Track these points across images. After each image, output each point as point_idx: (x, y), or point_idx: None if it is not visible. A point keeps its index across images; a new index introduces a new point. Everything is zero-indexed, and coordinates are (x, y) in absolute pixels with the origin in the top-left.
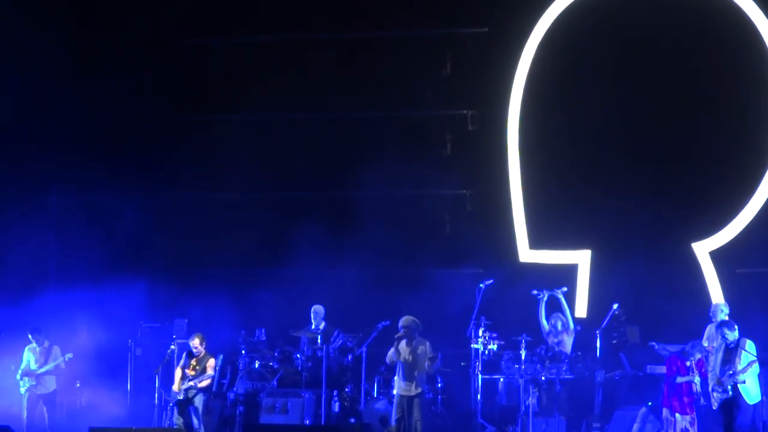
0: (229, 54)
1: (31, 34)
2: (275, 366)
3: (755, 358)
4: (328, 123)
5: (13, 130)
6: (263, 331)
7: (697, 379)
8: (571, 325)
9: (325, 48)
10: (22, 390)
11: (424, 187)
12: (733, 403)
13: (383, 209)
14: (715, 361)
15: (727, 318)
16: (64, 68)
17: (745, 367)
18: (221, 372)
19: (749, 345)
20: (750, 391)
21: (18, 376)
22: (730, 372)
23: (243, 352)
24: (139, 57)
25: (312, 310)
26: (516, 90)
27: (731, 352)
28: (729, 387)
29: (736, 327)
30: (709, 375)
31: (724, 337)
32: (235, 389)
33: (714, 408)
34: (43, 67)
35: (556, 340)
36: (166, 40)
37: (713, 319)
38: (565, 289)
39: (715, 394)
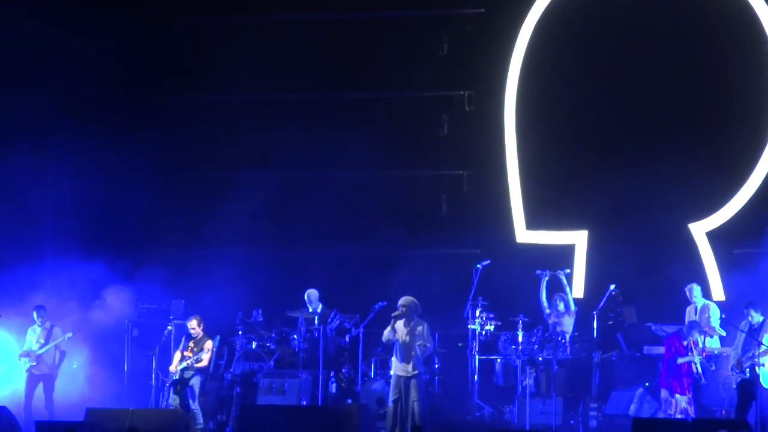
0: (224, 34)
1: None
2: (272, 347)
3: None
4: (324, 103)
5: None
6: (260, 311)
7: (697, 359)
8: (573, 306)
9: (322, 28)
10: (23, 370)
11: (421, 167)
12: (751, 385)
13: (380, 190)
14: (737, 342)
15: (701, 299)
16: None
17: (762, 351)
18: (218, 353)
19: None
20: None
21: (18, 356)
22: (750, 354)
23: (240, 332)
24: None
25: (306, 294)
26: (513, 71)
27: (754, 333)
28: (747, 369)
29: (759, 310)
30: (731, 354)
31: (749, 318)
32: (232, 370)
33: (733, 387)
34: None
35: (556, 321)
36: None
37: (691, 301)
38: (567, 270)
39: (733, 375)
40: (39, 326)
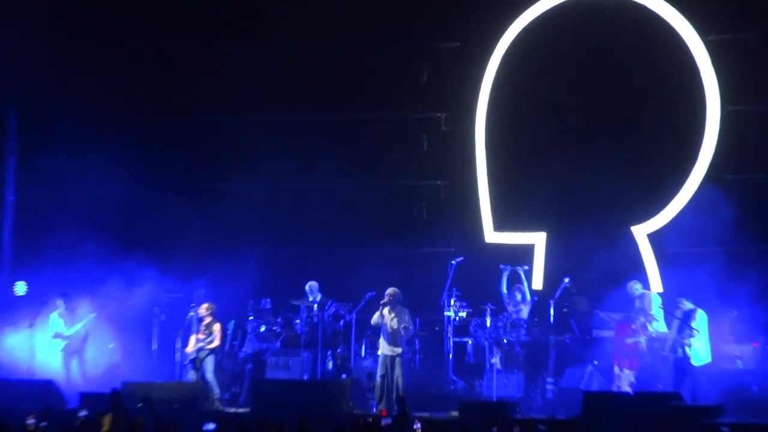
0: (237, 63)
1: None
2: (278, 330)
3: (698, 330)
4: (321, 123)
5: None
6: (268, 300)
7: (642, 339)
8: (528, 297)
9: (320, 58)
10: (57, 351)
11: (404, 178)
12: (683, 363)
13: (369, 197)
14: (673, 327)
15: (639, 290)
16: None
17: (692, 334)
18: (233, 335)
19: (700, 315)
20: (698, 354)
21: (51, 339)
22: (681, 337)
23: (251, 318)
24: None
25: (307, 286)
26: (483, 96)
27: (686, 319)
28: (679, 350)
29: (690, 299)
30: (668, 337)
31: (681, 306)
32: (244, 350)
33: (671, 362)
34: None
35: (514, 309)
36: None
37: (632, 296)
38: (526, 267)
39: (670, 355)
40: (64, 311)
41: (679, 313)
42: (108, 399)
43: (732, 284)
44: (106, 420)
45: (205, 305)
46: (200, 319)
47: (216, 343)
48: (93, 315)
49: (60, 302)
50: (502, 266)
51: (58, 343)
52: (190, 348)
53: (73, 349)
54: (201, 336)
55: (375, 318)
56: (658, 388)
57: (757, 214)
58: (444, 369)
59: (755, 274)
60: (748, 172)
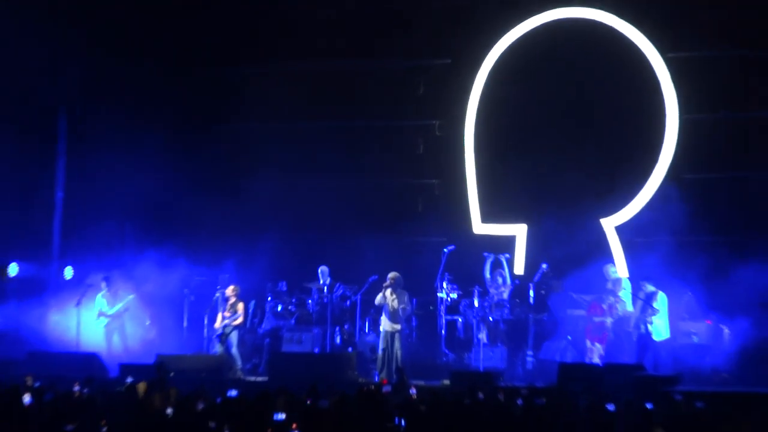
0: (256, 79)
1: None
2: (293, 309)
3: (659, 309)
4: (330, 130)
5: None
6: (284, 282)
7: (608, 320)
8: (509, 281)
9: (331, 73)
10: (101, 327)
11: (403, 177)
12: (646, 338)
13: (373, 194)
14: (637, 307)
15: (615, 274)
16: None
17: (655, 312)
18: (253, 313)
19: (660, 296)
20: (659, 330)
21: (95, 317)
22: (644, 316)
23: (269, 298)
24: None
25: (319, 269)
26: (471, 105)
27: (648, 300)
28: (642, 327)
29: (651, 283)
30: (632, 317)
31: (644, 289)
32: (263, 326)
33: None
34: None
35: (496, 291)
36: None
37: (607, 277)
38: (507, 255)
39: (634, 331)
40: (107, 292)
41: (642, 295)
42: (152, 369)
43: (686, 269)
44: (141, 387)
45: (231, 287)
46: (226, 299)
47: (240, 320)
48: (132, 296)
49: (104, 284)
50: (485, 254)
51: (101, 320)
52: (218, 324)
53: (115, 326)
54: (227, 314)
55: (378, 298)
56: (624, 360)
57: (709, 208)
58: (437, 343)
59: (706, 261)
60: (701, 173)
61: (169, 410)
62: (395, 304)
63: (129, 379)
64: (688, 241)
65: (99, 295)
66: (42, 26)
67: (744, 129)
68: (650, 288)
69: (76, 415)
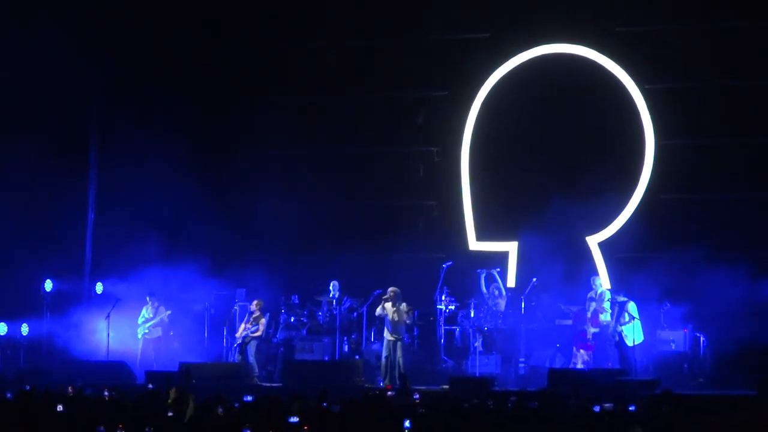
0: (266, 108)
1: None
2: (305, 320)
3: (631, 317)
4: (341, 156)
5: None
6: (297, 296)
7: (591, 329)
8: (504, 293)
9: (340, 103)
10: (139, 336)
11: (406, 199)
12: (620, 344)
13: (377, 214)
14: (611, 316)
15: (601, 288)
16: None
17: (627, 321)
18: (268, 324)
19: (631, 305)
20: (632, 336)
21: (140, 323)
22: (617, 324)
23: (283, 311)
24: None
25: (330, 284)
26: (467, 133)
27: (620, 309)
28: (616, 335)
29: (622, 293)
30: (610, 325)
31: (615, 299)
32: (277, 336)
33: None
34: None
35: (493, 303)
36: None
37: (593, 287)
38: (498, 269)
39: (611, 339)
40: (151, 306)
41: (616, 307)
42: (175, 376)
43: (665, 282)
44: (172, 393)
45: (256, 301)
46: (251, 312)
47: (260, 332)
48: (168, 312)
49: (149, 299)
50: (478, 271)
51: (141, 330)
52: (239, 333)
53: (152, 338)
54: (249, 325)
55: (378, 311)
56: (608, 366)
57: (683, 226)
58: (437, 351)
59: (681, 274)
60: (676, 193)
61: (190, 414)
62: (395, 315)
63: (150, 386)
64: (664, 255)
65: (144, 309)
66: (73, 39)
67: (715, 153)
68: (621, 298)
69: (106, 417)
